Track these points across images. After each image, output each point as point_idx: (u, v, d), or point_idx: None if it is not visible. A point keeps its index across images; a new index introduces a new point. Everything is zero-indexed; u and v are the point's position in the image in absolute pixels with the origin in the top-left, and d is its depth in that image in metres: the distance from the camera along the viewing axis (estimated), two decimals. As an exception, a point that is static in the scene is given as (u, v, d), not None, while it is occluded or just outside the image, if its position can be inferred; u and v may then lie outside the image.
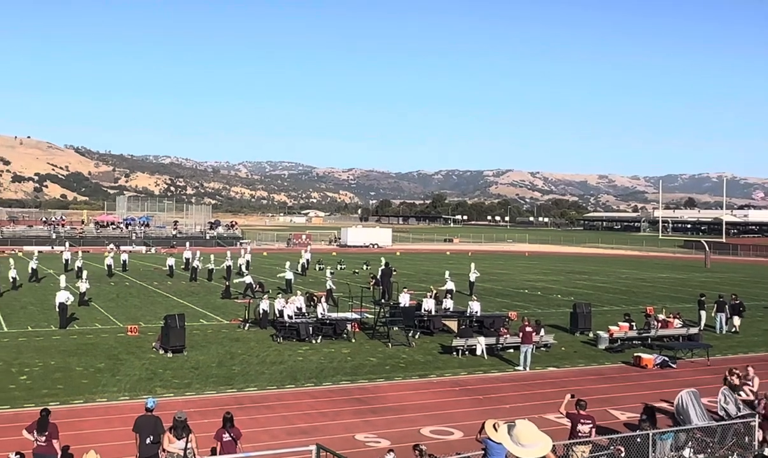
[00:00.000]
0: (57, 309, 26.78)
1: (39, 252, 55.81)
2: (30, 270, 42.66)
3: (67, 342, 23.73)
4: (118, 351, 22.32)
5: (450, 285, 36.58)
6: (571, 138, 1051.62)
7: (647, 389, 19.07)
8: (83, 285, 32.68)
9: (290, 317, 25.51)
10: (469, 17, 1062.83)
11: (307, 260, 52.73)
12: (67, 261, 48.94)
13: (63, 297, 26.93)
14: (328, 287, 35.84)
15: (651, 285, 48.29)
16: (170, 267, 47.52)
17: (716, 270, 63.29)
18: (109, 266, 46.23)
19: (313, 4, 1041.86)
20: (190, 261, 49.09)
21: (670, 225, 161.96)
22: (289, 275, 40.95)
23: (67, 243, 63.46)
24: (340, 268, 53.16)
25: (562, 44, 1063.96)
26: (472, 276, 39.61)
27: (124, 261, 51.03)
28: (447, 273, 39.51)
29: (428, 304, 27.90)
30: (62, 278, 31.41)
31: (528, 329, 21.55)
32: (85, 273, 35.44)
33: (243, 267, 46.56)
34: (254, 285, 36.76)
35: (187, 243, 64.08)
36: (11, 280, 38.31)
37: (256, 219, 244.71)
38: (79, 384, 18.17)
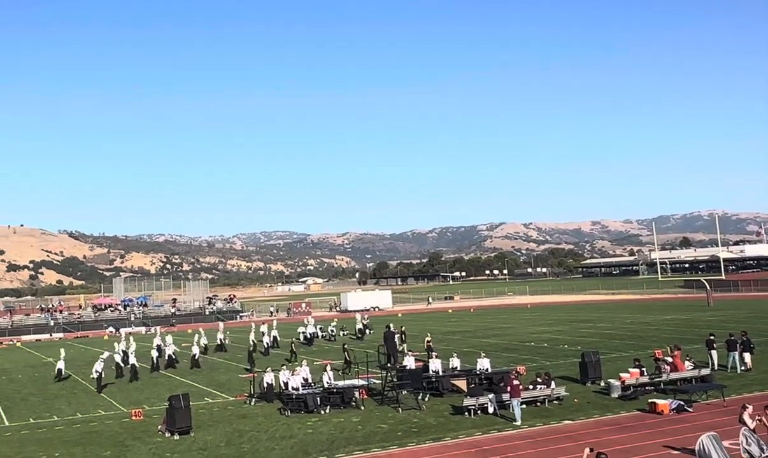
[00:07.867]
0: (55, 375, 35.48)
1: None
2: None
3: (70, 432, 23.18)
4: (123, 437, 21.81)
5: None
6: (561, 186, 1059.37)
7: (666, 436, 18.67)
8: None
9: (296, 388, 25.10)
10: (450, 70, 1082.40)
11: (311, 332, 49.77)
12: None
13: (61, 365, 36.70)
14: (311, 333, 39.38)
15: (656, 329, 47.94)
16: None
17: (719, 308, 62.99)
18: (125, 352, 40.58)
19: (294, 66, 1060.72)
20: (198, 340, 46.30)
21: (668, 266, 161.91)
22: (311, 329, 46.88)
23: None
24: (343, 334, 52.63)
25: (543, 93, 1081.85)
26: None
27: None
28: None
29: (435, 365, 27.57)
30: (62, 351, 39.50)
31: (515, 382, 21.63)
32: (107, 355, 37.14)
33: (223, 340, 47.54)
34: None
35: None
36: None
37: (254, 290, 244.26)
38: (86, 476, 17.67)
